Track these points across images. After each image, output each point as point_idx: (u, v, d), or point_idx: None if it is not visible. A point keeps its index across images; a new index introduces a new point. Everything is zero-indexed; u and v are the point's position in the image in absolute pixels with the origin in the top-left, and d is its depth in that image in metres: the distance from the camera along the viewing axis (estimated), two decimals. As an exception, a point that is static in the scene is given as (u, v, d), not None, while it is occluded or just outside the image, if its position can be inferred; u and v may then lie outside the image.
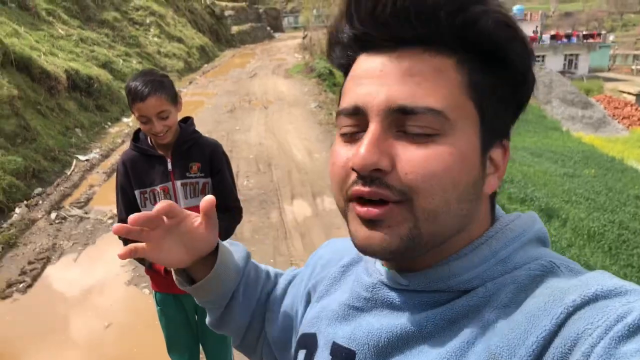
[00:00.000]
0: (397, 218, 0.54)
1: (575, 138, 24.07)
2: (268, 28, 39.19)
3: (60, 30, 12.73)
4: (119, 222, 2.20)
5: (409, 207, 0.54)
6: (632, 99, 32.22)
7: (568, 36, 40.89)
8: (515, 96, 0.59)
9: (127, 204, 2.18)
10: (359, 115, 0.57)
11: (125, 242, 2.20)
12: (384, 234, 0.55)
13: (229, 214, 2.27)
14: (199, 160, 2.19)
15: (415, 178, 0.53)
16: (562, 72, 36.46)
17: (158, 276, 2.18)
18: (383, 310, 0.63)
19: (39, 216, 5.78)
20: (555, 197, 11.98)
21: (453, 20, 0.53)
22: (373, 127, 0.55)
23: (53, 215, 5.80)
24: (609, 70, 44.17)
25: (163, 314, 2.36)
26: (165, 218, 0.75)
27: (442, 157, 0.53)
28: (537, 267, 0.56)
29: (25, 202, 6.10)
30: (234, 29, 33.64)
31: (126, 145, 8.56)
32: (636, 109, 30.51)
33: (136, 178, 2.15)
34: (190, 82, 16.50)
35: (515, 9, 45.51)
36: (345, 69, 0.63)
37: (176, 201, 2.17)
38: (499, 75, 0.57)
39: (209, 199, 0.76)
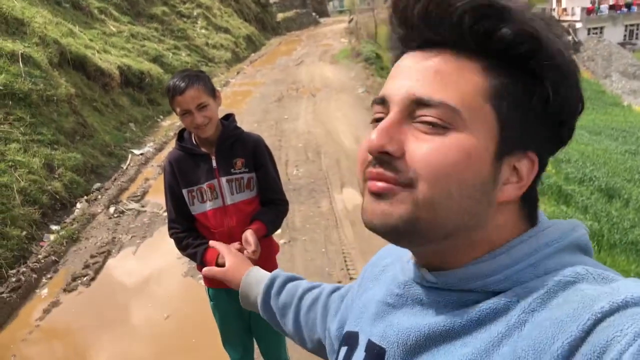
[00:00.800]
0: (400, 197, 0.57)
1: (637, 113, 22.96)
2: (313, 13, 39.02)
3: (112, 27, 13.12)
4: (169, 222, 2.28)
5: (412, 192, 0.57)
6: (701, 68, 30.21)
7: (628, 5, 38.64)
8: (547, 109, 0.58)
9: (177, 204, 2.22)
10: (385, 105, 0.61)
11: (178, 240, 2.25)
12: (384, 207, 0.58)
13: (274, 207, 2.30)
14: (243, 156, 2.22)
15: (420, 166, 0.56)
16: (622, 44, 34.64)
17: None
18: (414, 308, 0.65)
19: (99, 210, 6.01)
20: (617, 176, 11.46)
21: (476, 27, 0.55)
22: (390, 115, 0.59)
23: (112, 209, 6.02)
24: (675, 39, 41.54)
25: (217, 308, 2.41)
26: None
27: (449, 150, 0.56)
28: (569, 273, 0.56)
29: (85, 197, 6.35)
30: (279, 16, 33.70)
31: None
32: None
33: (183, 177, 2.19)
34: (238, 72, 16.68)
35: (571, -21, 43.43)
36: None
37: (222, 198, 2.21)
38: (528, 87, 0.58)
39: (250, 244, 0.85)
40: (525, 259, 0.59)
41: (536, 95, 0.58)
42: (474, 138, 0.56)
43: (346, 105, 10.50)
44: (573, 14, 36.36)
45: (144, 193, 6.57)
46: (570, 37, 32.27)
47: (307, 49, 21.63)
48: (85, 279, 4.51)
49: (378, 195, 0.59)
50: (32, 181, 5.72)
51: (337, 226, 5.16)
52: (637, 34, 37.84)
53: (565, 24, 34.58)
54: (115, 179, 7.05)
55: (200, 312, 3.81)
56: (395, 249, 0.82)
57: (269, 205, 2.30)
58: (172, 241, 2.29)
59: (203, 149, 2.20)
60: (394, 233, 0.59)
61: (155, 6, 16.82)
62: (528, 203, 0.63)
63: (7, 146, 5.95)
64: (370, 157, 0.60)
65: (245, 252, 1.98)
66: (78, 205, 6.10)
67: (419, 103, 0.58)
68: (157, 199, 6.26)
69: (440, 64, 0.58)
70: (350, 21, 25.47)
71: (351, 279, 4.04)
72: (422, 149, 0.56)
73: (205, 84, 2.09)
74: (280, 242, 4.59)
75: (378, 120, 0.63)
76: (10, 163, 5.73)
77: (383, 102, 0.62)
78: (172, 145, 8.72)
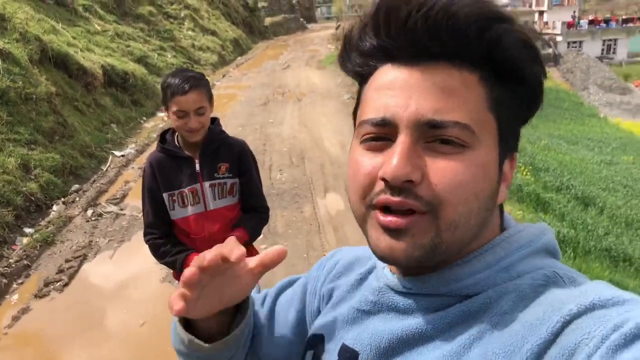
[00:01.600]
0: (421, 228, 0.56)
1: (612, 124, 23.52)
2: (301, 19, 39.11)
3: (96, 26, 12.95)
4: (145, 227, 2.19)
5: (433, 217, 0.55)
6: (675, 84, 30.91)
7: (607, 21, 39.60)
8: (526, 112, 0.62)
9: (155, 208, 2.16)
10: (386, 127, 0.57)
11: (154, 247, 2.16)
12: (407, 244, 0.56)
13: (256, 214, 2.26)
14: (228, 161, 2.18)
15: (444, 189, 0.54)
16: (600, 58, 35.38)
17: None
18: (389, 314, 0.65)
19: (76, 213, 5.86)
20: (592, 185, 11.85)
21: (481, 37, 0.55)
22: (403, 139, 0.55)
23: (89, 212, 5.87)
24: (651, 55, 42.42)
25: None
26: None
27: (470, 170, 0.55)
28: (539, 276, 0.57)
29: (62, 199, 6.19)
30: (267, 20, 33.70)
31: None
32: (678, 95, 29.22)
33: (164, 180, 2.13)
34: (224, 75, 16.58)
35: (554, -7, 44.15)
36: (362, 78, 0.64)
37: (204, 203, 2.15)
38: (515, 92, 0.59)
39: (281, 251, 0.66)
40: (498, 263, 0.59)
41: (520, 99, 0.60)
42: (487, 151, 0.57)
43: (332, 111, 10.48)
44: (554, 28, 37.15)
45: (124, 196, 6.44)
46: (550, 50, 32.84)
47: (294, 53, 21.63)
48: (58, 284, 4.37)
49: (395, 231, 0.57)
50: (6, 182, 5.54)
51: (320, 232, 5.11)
52: (614, 49, 38.73)
53: (547, 37, 35.24)
54: (94, 181, 6.90)
55: (177, 320, 3.71)
56: (365, 255, 0.80)
57: (251, 212, 2.25)
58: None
59: (187, 152, 2.15)
60: (418, 262, 0.58)
61: (142, 6, 16.67)
62: (501, 204, 0.64)
63: (-20, 145, 5.78)
64: (379, 185, 0.57)
65: None
66: (54, 207, 5.94)
67: (431, 125, 0.55)
68: (137, 202, 6.12)
69: (445, 78, 0.56)
70: (337, 28, 25.54)
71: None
72: (444, 172, 0.55)
73: (207, 89, 2.09)
74: (261, 247, 4.51)
75: (373, 140, 0.59)
76: (-17, 162, 5.56)
77: (385, 123, 0.57)
78: (154, 146, 8.58)
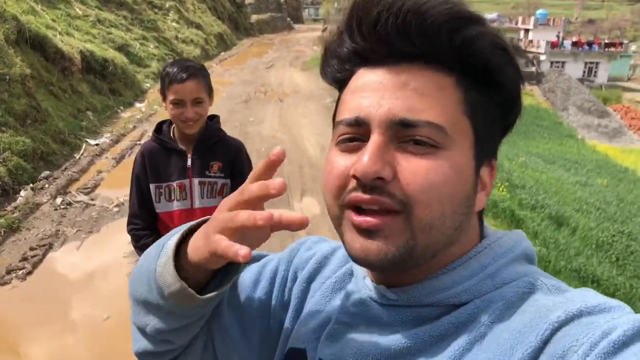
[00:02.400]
0: (395, 229, 0.55)
1: (589, 146, 24.00)
2: (288, 19, 39.03)
3: (77, 10, 12.68)
4: (129, 216, 2.12)
5: (407, 218, 0.54)
6: (650, 110, 31.73)
7: (590, 44, 40.39)
8: (504, 119, 0.62)
9: (141, 198, 2.12)
10: (360, 126, 0.57)
11: (136, 238, 2.09)
12: (380, 244, 0.55)
13: None
14: (221, 160, 2.14)
15: (416, 189, 0.54)
16: (581, 80, 36.06)
17: None
18: (371, 327, 0.63)
19: (44, 200, 5.69)
20: (566, 205, 12.05)
21: (452, 39, 0.54)
22: (375, 138, 0.55)
23: (59, 200, 5.71)
24: (629, 80, 43.54)
25: None
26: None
27: (442, 169, 0.54)
28: (524, 284, 0.57)
29: (31, 185, 6.01)
30: (254, 17, 33.54)
31: (138, 132, 8.40)
32: (654, 121, 30.00)
33: (153, 171, 2.09)
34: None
35: (539, 13, 45.04)
36: (340, 84, 0.64)
37: (191, 200, 2.11)
38: (492, 97, 0.59)
39: (304, 220, 0.56)
40: (484, 270, 0.59)
41: (497, 105, 0.60)
42: (461, 154, 0.56)
43: (313, 113, 10.46)
44: (538, 47, 37.76)
45: (95, 186, 6.28)
46: (534, 68, 33.44)
47: (278, 53, 21.57)
48: (21, 272, 4.22)
49: (369, 231, 0.55)
50: (-27, 163, 5.36)
51: (293, 235, 5.04)
52: (595, 72, 39.52)
53: (531, 55, 35.88)
54: (65, 169, 6.72)
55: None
56: (335, 255, 0.78)
57: None
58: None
59: (181, 145, 2.11)
60: (391, 265, 0.56)
61: (126, -7, 16.38)
62: (481, 213, 0.64)
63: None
64: (352, 183, 0.56)
65: None
66: (22, 192, 5.76)
67: (403, 124, 0.55)
68: (109, 193, 6.00)
69: (417, 79, 0.56)
70: (324, 30, 25.56)
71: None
72: (415, 171, 0.54)
73: (206, 79, 2.04)
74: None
75: (348, 141, 0.59)
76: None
77: (358, 123, 0.57)
78: (130, 137, 8.47)
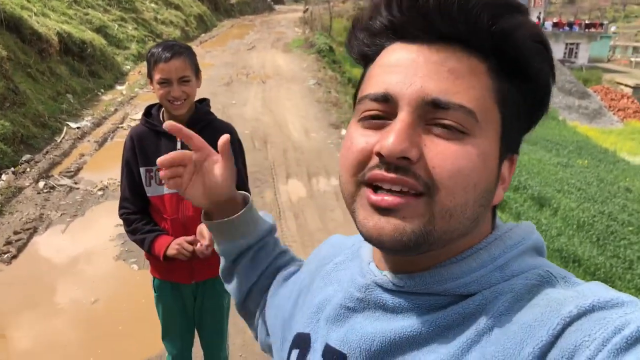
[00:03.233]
0: (414, 211, 0.53)
1: (570, 127, 24.23)
2: (268, 0, 38.51)
3: (53, -9, 12.35)
4: (121, 200, 2.13)
5: (428, 202, 0.53)
6: (629, 91, 32.25)
7: (570, 24, 40.62)
8: (530, 115, 0.60)
9: (132, 182, 2.12)
10: (387, 103, 0.55)
11: (127, 222, 2.10)
12: (396, 225, 0.54)
13: None
14: (211, 144, 2.10)
15: (442, 173, 0.52)
16: (562, 61, 36.34)
17: (157, 261, 2.11)
18: (376, 312, 0.62)
19: (27, 184, 5.62)
20: (548, 186, 12.15)
21: (493, 24, 0.53)
22: (404, 116, 0.53)
23: (41, 184, 5.64)
24: (608, 61, 44.00)
25: (160, 301, 2.30)
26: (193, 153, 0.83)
27: (470, 156, 0.53)
28: (534, 276, 0.56)
29: (12, 168, 5.92)
30: (233, -2, 32.98)
31: (119, 115, 8.27)
32: (632, 102, 30.51)
33: (142, 154, 2.09)
34: (187, 52, 16.13)
35: (520, -7, 44.98)
36: (366, 60, 0.63)
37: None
38: (522, 91, 0.58)
39: (224, 137, 0.82)
40: (493, 261, 0.58)
41: (527, 99, 0.58)
42: (488, 143, 0.55)
43: (297, 96, 10.40)
44: (519, 27, 37.79)
45: (78, 169, 6.20)
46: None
47: (259, 34, 21.32)
48: (5, 256, 4.19)
49: (386, 210, 0.54)
50: (-48, 147, 5.26)
51: (280, 218, 5.07)
52: (576, 53, 39.81)
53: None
54: (47, 152, 6.62)
55: (130, 298, 3.64)
56: (342, 244, 0.81)
57: None
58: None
59: None
60: (404, 247, 0.55)
61: (103, -27, 15.99)
62: (494, 206, 0.63)
63: None
64: (373, 161, 0.55)
65: (198, 245, 1.95)
66: (3, 176, 5.68)
67: (435, 105, 0.53)
68: (92, 177, 5.94)
69: (453, 61, 0.54)
70: (305, 11, 25.32)
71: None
72: (444, 155, 0.53)
73: (192, 59, 2.05)
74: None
75: (372, 118, 0.57)
76: None
77: (386, 99, 0.55)
78: (112, 120, 8.36)
